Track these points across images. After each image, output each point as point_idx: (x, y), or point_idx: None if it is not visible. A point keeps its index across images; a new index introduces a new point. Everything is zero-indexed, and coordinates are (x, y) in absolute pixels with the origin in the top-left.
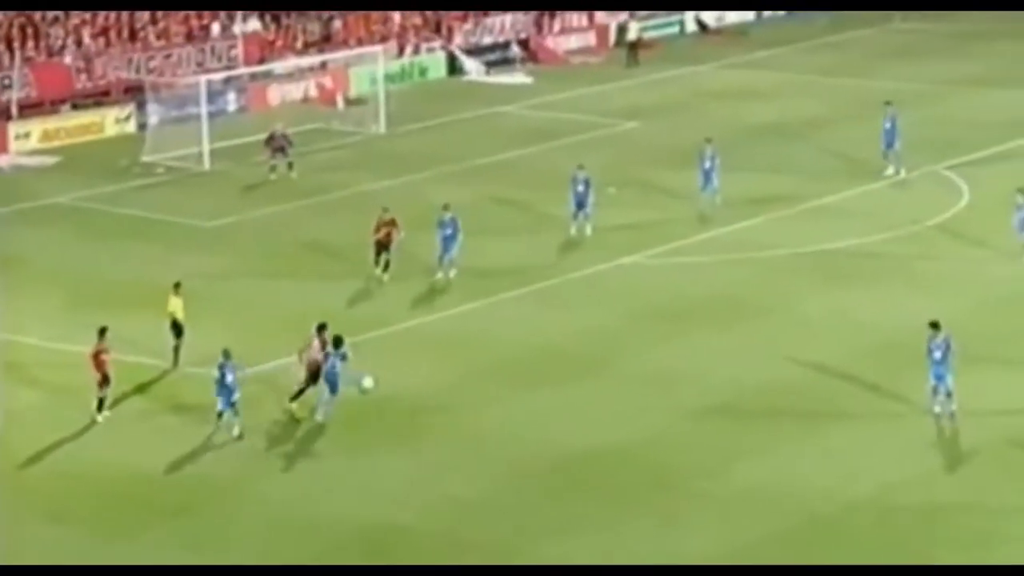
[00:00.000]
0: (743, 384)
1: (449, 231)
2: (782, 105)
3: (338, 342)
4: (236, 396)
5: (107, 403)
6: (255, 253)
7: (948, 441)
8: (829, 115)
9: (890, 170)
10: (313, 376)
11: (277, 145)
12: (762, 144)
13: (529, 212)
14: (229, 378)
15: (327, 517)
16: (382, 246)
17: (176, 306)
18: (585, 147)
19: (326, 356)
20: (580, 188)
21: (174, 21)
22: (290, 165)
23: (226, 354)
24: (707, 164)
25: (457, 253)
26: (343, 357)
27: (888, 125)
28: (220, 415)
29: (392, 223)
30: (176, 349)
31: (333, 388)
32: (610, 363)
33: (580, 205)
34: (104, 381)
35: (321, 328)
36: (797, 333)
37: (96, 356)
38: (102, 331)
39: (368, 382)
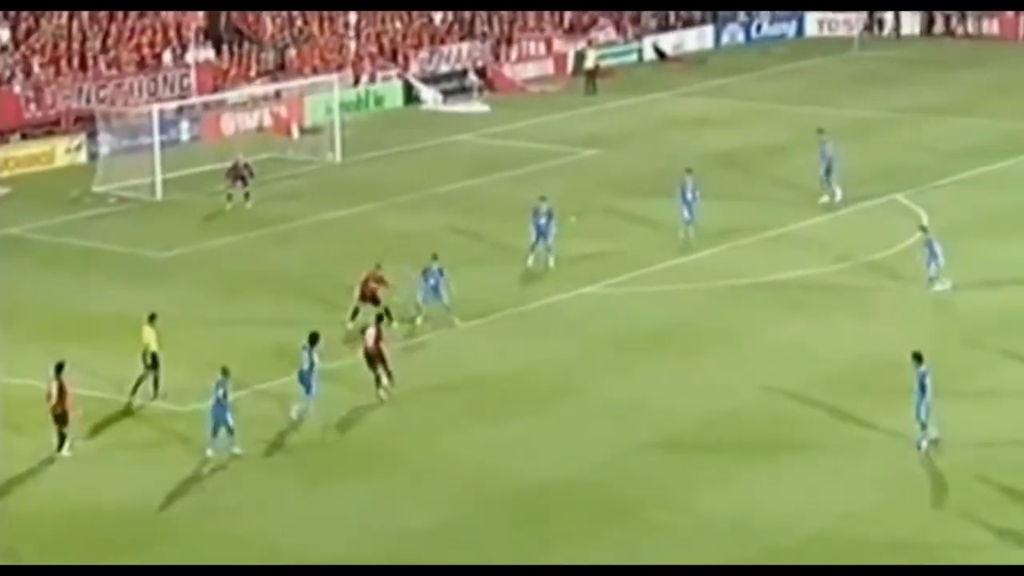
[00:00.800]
0: (703, 414)
1: (432, 281)
2: (741, 133)
3: (314, 339)
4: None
5: (69, 438)
6: (209, 284)
7: (910, 473)
8: (789, 143)
9: (838, 197)
10: (370, 361)
11: (238, 175)
12: (721, 172)
13: (488, 242)
14: (223, 394)
15: (287, 552)
16: (365, 299)
17: (150, 337)
18: (544, 176)
19: (304, 359)
20: (542, 220)
21: (125, 49)
22: (247, 195)
23: (224, 372)
24: (688, 195)
25: (447, 300)
26: (311, 363)
27: (823, 153)
28: (230, 432)
29: (381, 281)
30: (140, 381)
31: (308, 387)
32: (571, 393)
33: (542, 236)
34: (64, 417)
35: (379, 318)
36: (757, 363)
37: (60, 393)
38: (59, 367)
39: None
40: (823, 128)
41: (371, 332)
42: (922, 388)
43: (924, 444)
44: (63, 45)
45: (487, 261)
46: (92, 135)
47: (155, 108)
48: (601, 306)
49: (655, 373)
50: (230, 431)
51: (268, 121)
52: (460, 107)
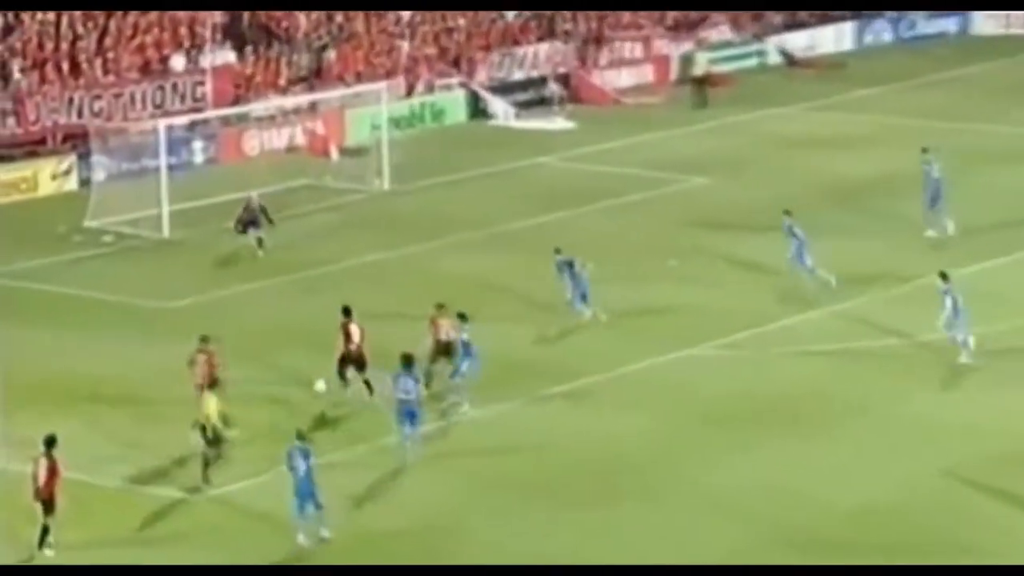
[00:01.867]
0: (840, 505)
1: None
2: (886, 157)
3: (408, 361)
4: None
5: (53, 531)
6: (228, 341)
7: None
8: (944, 170)
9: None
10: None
11: (249, 218)
12: (859, 206)
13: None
14: (307, 464)
15: None
16: (440, 348)
17: (211, 408)
18: (639, 209)
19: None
20: (567, 274)
21: (126, 51)
22: (260, 242)
23: (301, 436)
24: (794, 237)
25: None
26: (412, 389)
27: (928, 177)
28: (319, 507)
29: (443, 311)
30: (207, 461)
31: (412, 417)
32: (667, 479)
33: (583, 296)
34: (50, 505)
35: (346, 311)
36: (902, 442)
37: (50, 474)
38: (49, 442)
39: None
40: (928, 147)
41: (355, 330)
42: None
43: None
44: (49, 45)
45: (566, 314)
46: (84, 157)
47: (162, 123)
48: (706, 372)
49: (770, 455)
50: (318, 506)
51: (301, 140)
52: (538, 123)
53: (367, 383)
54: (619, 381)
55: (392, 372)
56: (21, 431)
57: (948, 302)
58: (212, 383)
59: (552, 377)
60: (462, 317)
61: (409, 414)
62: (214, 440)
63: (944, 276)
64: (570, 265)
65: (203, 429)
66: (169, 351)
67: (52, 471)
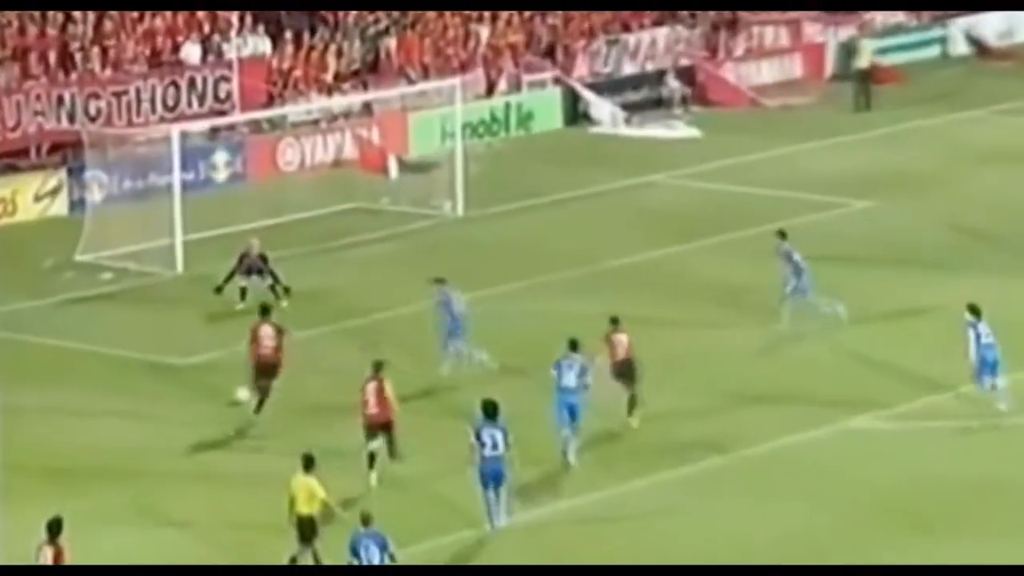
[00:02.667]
0: None
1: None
2: None
3: (493, 409)
4: None
5: None
6: (257, 408)
7: None
8: None
9: None
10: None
11: (251, 266)
12: None
13: (692, 341)
14: (383, 556)
15: None
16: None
17: (306, 492)
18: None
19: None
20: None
21: (131, 38)
22: (274, 290)
23: (366, 520)
24: (792, 265)
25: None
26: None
27: None
28: None
29: (619, 326)
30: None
31: (498, 479)
32: None
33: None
34: None
35: (264, 311)
36: None
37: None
38: (53, 527)
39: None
40: None
41: (268, 331)
42: None
43: None
44: (34, 30)
45: (692, 371)
46: (77, 172)
47: (175, 130)
48: (872, 450)
49: (969, 558)
50: None
51: (351, 151)
52: (653, 130)
53: (263, 396)
54: (760, 461)
55: (474, 424)
56: (12, 518)
57: (972, 339)
58: (308, 462)
59: (676, 454)
60: (573, 346)
61: (494, 474)
62: (309, 535)
63: (975, 311)
64: (449, 301)
65: (299, 523)
66: (183, 418)
67: (58, 560)
